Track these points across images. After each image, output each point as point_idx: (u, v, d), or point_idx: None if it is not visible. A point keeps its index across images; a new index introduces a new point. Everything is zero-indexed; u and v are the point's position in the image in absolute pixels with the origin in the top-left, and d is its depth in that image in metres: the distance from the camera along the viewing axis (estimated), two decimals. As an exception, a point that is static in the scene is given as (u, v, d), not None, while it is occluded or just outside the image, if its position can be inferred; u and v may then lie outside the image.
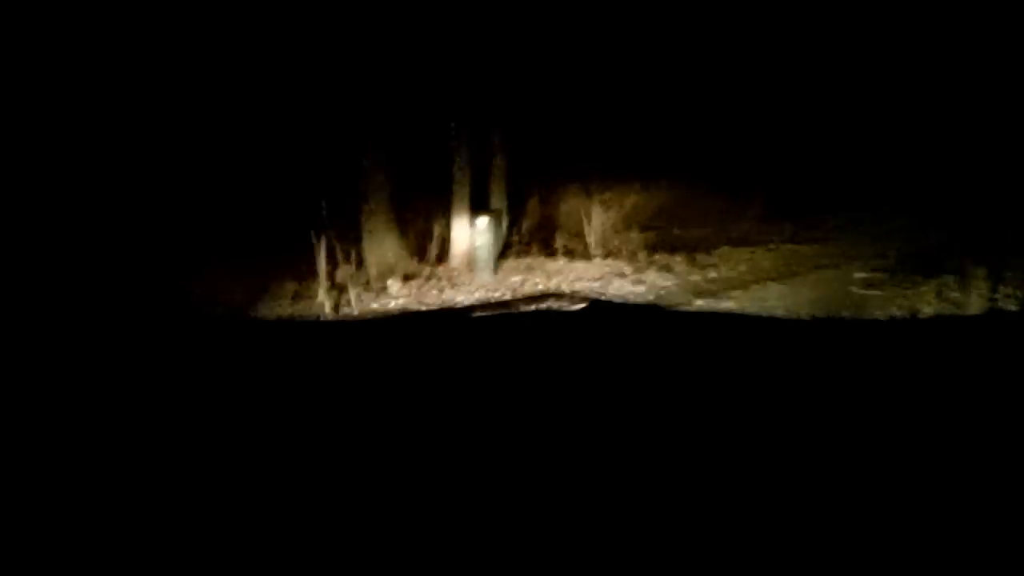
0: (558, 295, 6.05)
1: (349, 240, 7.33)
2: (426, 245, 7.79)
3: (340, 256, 7.00)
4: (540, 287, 6.91)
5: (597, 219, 8.25)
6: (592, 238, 8.09)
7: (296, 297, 6.55)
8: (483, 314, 5.11)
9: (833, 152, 10.88)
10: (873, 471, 2.31)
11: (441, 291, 6.85)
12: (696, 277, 7.08)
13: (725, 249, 8.04)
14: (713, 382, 3.11)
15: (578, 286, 6.86)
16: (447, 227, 7.71)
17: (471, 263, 7.32)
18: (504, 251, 7.94)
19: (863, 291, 6.21)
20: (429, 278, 7.17)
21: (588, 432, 2.67)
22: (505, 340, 4.05)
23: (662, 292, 6.65)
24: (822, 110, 11.14)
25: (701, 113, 10.79)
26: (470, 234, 7.36)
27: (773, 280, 6.72)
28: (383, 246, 7.42)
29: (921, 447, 2.45)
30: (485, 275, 7.13)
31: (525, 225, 8.75)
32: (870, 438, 2.50)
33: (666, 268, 7.38)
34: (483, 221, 7.19)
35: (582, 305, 4.70)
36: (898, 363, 3.31)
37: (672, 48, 10.60)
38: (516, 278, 7.23)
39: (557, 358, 3.50)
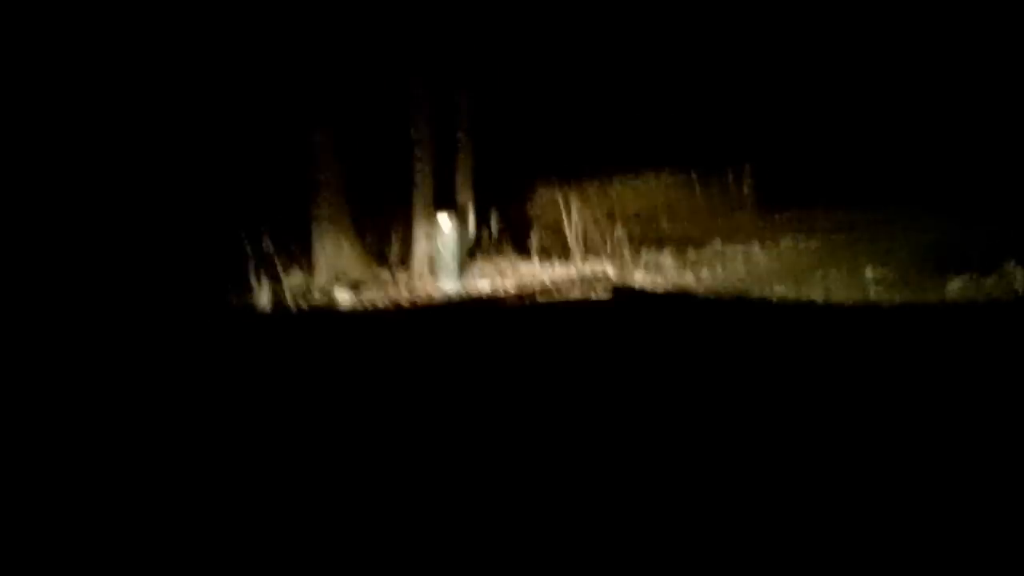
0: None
1: (296, 242, 6.49)
2: (384, 246, 6.93)
3: (282, 262, 6.12)
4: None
5: (576, 214, 7.41)
6: (571, 235, 7.26)
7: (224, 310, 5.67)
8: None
9: (831, 140, 9.99)
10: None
11: (396, 301, 5.98)
12: (688, 277, 6.28)
13: (718, 244, 7.23)
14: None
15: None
16: (407, 226, 6.85)
17: (433, 267, 6.46)
18: (472, 252, 7.10)
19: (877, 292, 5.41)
20: (385, 285, 6.32)
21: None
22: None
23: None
24: (813, 94, 10.26)
25: (688, 97, 9.91)
26: (432, 234, 6.50)
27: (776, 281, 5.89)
28: (335, 248, 6.54)
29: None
30: (448, 281, 6.26)
31: (496, 222, 7.84)
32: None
33: (654, 267, 6.58)
34: (445, 219, 6.34)
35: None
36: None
37: (655, 27, 9.74)
38: (484, 282, 6.39)
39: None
